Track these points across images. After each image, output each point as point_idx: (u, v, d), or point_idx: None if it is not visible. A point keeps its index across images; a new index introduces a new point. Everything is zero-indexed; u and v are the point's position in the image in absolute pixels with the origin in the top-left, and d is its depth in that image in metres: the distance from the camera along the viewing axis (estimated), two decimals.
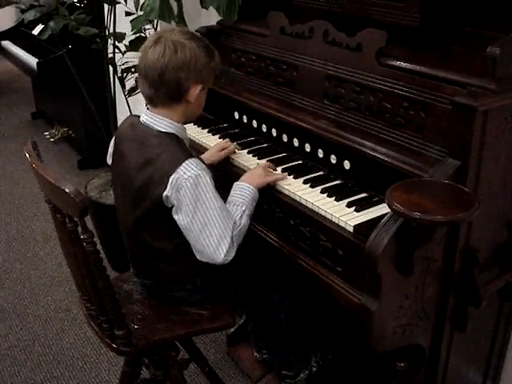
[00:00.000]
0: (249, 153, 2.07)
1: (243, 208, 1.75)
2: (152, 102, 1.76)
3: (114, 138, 1.90)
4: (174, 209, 1.68)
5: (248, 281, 1.94)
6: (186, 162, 1.65)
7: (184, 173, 1.63)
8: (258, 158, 2.01)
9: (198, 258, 1.72)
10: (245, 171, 1.95)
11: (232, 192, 1.80)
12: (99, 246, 3.08)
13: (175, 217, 1.69)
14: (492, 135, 1.47)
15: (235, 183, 1.82)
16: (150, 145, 1.72)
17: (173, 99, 1.73)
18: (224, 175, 2.05)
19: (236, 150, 2.08)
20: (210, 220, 1.66)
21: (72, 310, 2.90)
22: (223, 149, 2.07)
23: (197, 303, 1.88)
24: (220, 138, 2.22)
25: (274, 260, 1.95)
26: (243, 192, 1.78)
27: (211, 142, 2.20)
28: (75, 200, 1.45)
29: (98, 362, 2.57)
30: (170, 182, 1.64)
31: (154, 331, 1.79)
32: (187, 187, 1.63)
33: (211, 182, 1.68)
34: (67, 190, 1.46)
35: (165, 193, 1.65)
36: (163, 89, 1.71)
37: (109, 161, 1.94)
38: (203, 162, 1.72)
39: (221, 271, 1.85)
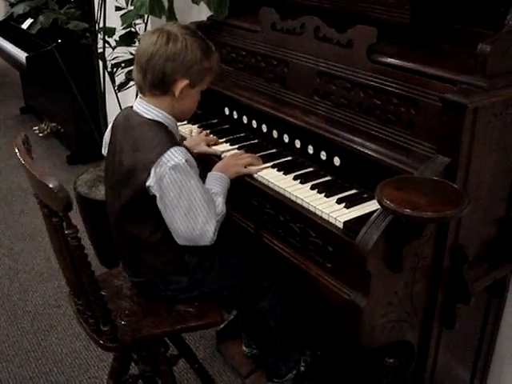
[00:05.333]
0: (239, 149, 2.06)
1: (221, 197, 1.79)
2: (141, 89, 1.77)
3: (109, 129, 1.90)
4: (157, 198, 1.68)
5: (236, 286, 1.93)
6: (171, 150, 1.65)
7: (168, 161, 1.64)
8: None
9: (179, 242, 1.74)
10: None
11: (210, 181, 1.83)
12: (88, 242, 3.11)
13: (160, 206, 1.69)
14: (482, 132, 1.47)
15: (210, 173, 1.86)
16: (138, 131, 1.73)
17: (158, 88, 1.72)
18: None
19: (221, 153, 2.06)
20: (194, 204, 1.68)
21: (61, 306, 2.89)
22: (209, 143, 2.10)
23: (185, 301, 1.87)
24: (210, 134, 2.20)
25: (263, 256, 1.95)
26: (220, 181, 1.83)
27: None
28: (59, 195, 1.44)
29: (87, 357, 2.56)
30: (153, 169, 1.65)
31: (141, 327, 1.79)
32: (170, 175, 1.64)
33: (195, 169, 1.70)
34: (51, 186, 1.45)
35: (148, 182, 1.66)
36: (149, 76, 1.70)
37: (104, 151, 1.93)
38: (188, 151, 1.73)
39: (207, 274, 1.85)
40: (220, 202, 1.78)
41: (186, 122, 2.29)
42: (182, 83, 1.71)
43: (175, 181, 1.65)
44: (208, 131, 2.18)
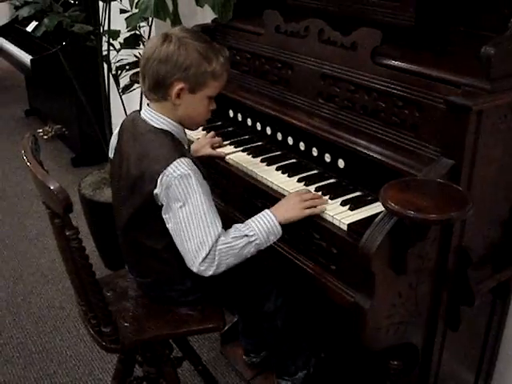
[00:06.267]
0: (243, 151, 2.07)
1: (251, 233, 1.64)
2: (145, 95, 1.76)
3: (116, 132, 1.89)
4: (163, 208, 1.67)
5: (242, 287, 1.92)
6: (177, 160, 1.63)
7: (174, 171, 1.61)
8: (253, 157, 2.01)
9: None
10: (241, 170, 1.95)
11: (258, 219, 1.67)
12: (92, 244, 3.11)
13: (164, 216, 1.68)
14: (486, 135, 1.47)
15: (265, 211, 1.68)
16: (145, 140, 1.71)
17: (156, 93, 1.70)
18: (218, 173, 2.06)
19: (225, 156, 2.05)
20: (192, 223, 1.61)
21: (65, 308, 2.90)
22: (213, 145, 2.08)
23: (188, 304, 1.87)
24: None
25: (267, 258, 1.96)
26: (262, 220, 1.66)
27: None
28: (59, 197, 1.45)
29: (91, 359, 2.57)
30: (159, 179, 1.63)
31: (143, 329, 1.79)
32: (176, 185, 1.61)
33: (202, 183, 1.65)
34: (51, 187, 1.46)
35: (155, 190, 1.64)
36: (146, 79, 1.70)
37: (110, 155, 1.92)
38: (195, 163, 1.69)
39: (211, 276, 1.83)
40: (240, 233, 1.63)
41: (200, 131, 2.29)
42: (177, 87, 1.67)
43: (180, 193, 1.61)
44: (214, 133, 2.18)
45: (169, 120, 1.73)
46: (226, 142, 2.13)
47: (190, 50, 1.66)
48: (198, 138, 2.17)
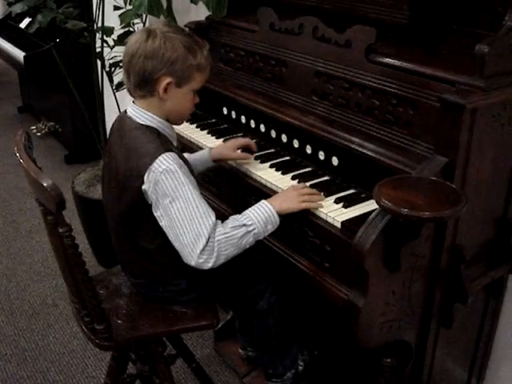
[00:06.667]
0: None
1: (249, 222, 1.63)
2: (130, 92, 1.74)
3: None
4: (153, 205, 1.66)
5: (235, 285, 1.91)
6: (162, 155, 1.61)
7: (159, 166, 1.60)
8: None
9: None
10: (235, 168, 1.96)
11: (255, 208, 1.67)
12: (85, 241, 3.10)
13: (155, 214, 1.67)
14: (480, 133, 1.48)
15: (262, 201, 1.69)
16: (131, 137, 1.70)
17: (142, 89, 1.69)
18: (212, 171, 2.05)
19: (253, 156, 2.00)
20: (185, 216, 1.60)
21: (58, 306, 2.89)
22: (240, 147, 2.00)
23: (182, 303, 1.86)
24: (208, 133, 2.21)
25: (261, 257, 1.96)
26: (259, 209, 1.66)
27: (199, 137, 2.20)
28: (51, 194, 1.45)
29: (85, 357, 2.56)
30: (146, 175, 1.61)
31: (137, 327, 1.79)
32: (163, 180, 1.60)
33: (189, 176, 1.64)
34: (44, 184, 1.46)
35: (143, 187, 1.63)
36: (132, 76, 1.68)
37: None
38: (181, 158, 1.68)
39: (206, 274, 1.83)
40: (237, 223, 1.63)
41: (188, 124, 2.29)
42: (165, 81, 1.66)
43: (168, 188, 1.60)
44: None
45: (154, 116, 1.72)
46: (220, 140, 2.13)
47: (176, 45, 1.65)
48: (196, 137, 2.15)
